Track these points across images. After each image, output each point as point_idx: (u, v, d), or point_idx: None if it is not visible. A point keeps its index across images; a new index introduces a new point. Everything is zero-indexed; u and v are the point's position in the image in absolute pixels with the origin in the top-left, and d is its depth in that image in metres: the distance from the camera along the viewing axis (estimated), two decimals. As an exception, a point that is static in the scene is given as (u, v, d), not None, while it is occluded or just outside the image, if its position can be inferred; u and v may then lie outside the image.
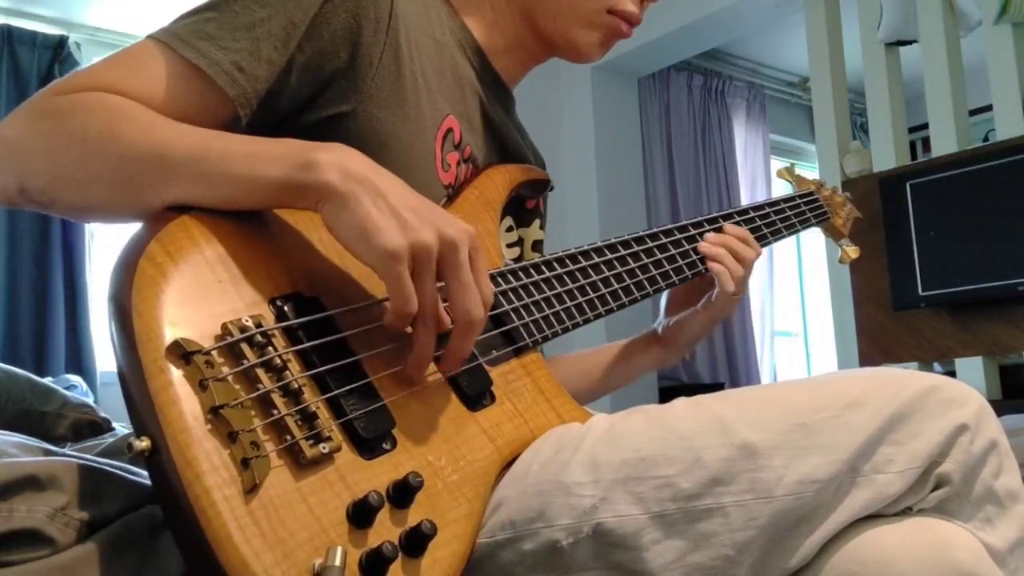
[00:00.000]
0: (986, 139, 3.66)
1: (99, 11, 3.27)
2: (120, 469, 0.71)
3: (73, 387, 2.39)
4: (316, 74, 0.73)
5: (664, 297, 1.01)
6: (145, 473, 0.73)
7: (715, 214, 0.99)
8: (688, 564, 0.60)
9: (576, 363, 1.04)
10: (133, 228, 0.62)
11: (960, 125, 2.98)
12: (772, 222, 1.04)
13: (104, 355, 3.11)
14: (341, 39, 0.73)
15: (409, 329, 0.64)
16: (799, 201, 1.10)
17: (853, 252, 1.16)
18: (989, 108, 2.94)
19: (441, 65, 0.83)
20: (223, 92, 0.68)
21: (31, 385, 1.20)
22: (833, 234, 1.18)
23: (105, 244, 3.27)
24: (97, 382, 3.03)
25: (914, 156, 4.18)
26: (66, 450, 0.81)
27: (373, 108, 0.75)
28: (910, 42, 3.13)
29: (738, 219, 1.00)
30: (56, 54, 3.14)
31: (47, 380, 1.38)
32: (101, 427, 1.25)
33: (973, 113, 3.15)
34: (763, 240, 1.02)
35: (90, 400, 1.49)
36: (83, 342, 3.06)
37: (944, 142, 2.99)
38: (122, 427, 1.30)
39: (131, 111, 0.65)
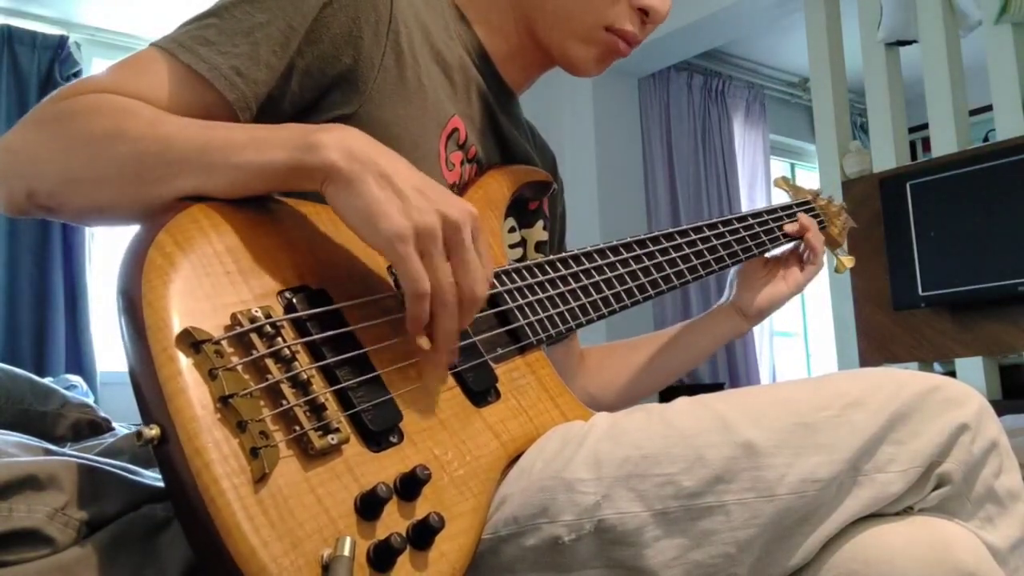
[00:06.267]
0: (986, 139, 3.66)
1: (99, 11, 3.27)
2: (120, 469, 0.71)
3: (73, 387, 2.39)
4: (318, 78, 0.74)
5: (735, 277, 1.09)
6: (145, 473, 0.73)
7: (714, 220, 1.02)
8: (689, 562, 0.60)
9: (639, 347, 1.08)
10: (135, 228, 0.62)
11: (960, 125, 2.98)
12: (770, 229, 1.06)
13: (104, 355, 3.11)
14: (342, 43, 0.73)
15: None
16: (796, 210, 1.11)
17: (848, 261, 1.17)
18: (989, 108, 2.94)
19: (447, 67, 0.84)
20: (222, 96, 0.69)
21: (31, 385, 1.20)
22: (829, 243, 1.19)
23: (105, 244, 3.27)
24: (97, 382, 3.03)
25: (914, 156, 4.18)
26: (66, 450, 0.81)
27: (376, 110, 0.75)
28: (910, 42, 3.13)
29: (737, 225, 1.03)
30: (56, 54, 3.14)
31: (47, 380, 1.38)
32: (101, 427, 1.26)
33: (973, 113, 3.15)
34: (761, 247, 1.04)
35: (90, 400, 1.49)
36: (83, 342, 3.06)
37: (944, 142, 2.99)
38: (122, 427, 1.30)
39: (135, 109, 0.65)
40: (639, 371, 1.08)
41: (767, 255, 1.07)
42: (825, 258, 1.10)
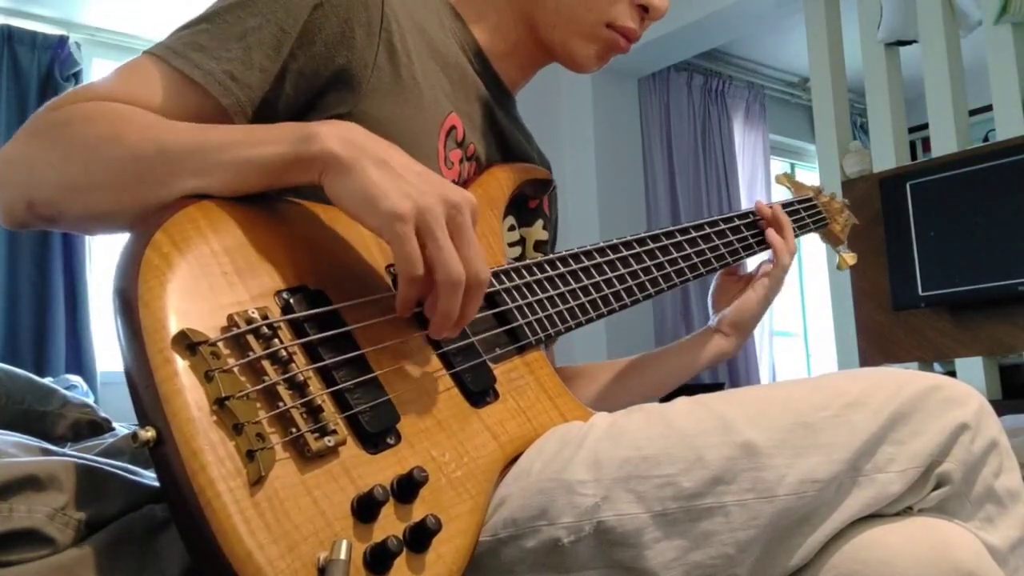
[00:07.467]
0: (986, 139, 3.66)
1: (99, 11, 3.26)
2: (120, 469, 0.71)
3: (73, 387, 2.39)
4: (312, 79, 0.74)
5: (710, 297, 1.06)
6: (145, 473, 0.73)
7: (715, 217, 1.01)
8: (689, 563, 0.60)
9: (620, 369, 1.05)
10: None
11: (960, 125, 2.98)
12: None
13: (104, 355, 3.11)
14: (335, 43, 0.74)
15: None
16: (798, 207, 1.11)
17: (851, 258, 1.16)
18: (989, 108, 2.95)
19: (443, 64, 0.84)
20: (217, 101, 0.69)
21: (31, 385, 1.20)
22: (831, 240, 1.19)
23: (105, 244, 3.26)
24: (97, 382, 3.02)
25: (914, 156, 4.18)
26: (66, 450, 0.81)
27: (371, 109, 0.75)
28: (910, 42, 3.13)
29: (738, 222, 1.02)
30: (56, 54, 3.13)
31: (47, 380, 1.38)
32: (101, 427, 1.26)
33: (973, 113, 3.15)
34: (763, 244, 1.03)
35: (90, 400, 1.49)
36: (83, 342, 3.06)
37: (944, 142, 3.00)
38: (122, 427, 1.30)
39: (130, 114, 0.66)
40: (615, 390, 1.04)
41: (741, 270, 1.05)
42: (826, 254, 1.09)
